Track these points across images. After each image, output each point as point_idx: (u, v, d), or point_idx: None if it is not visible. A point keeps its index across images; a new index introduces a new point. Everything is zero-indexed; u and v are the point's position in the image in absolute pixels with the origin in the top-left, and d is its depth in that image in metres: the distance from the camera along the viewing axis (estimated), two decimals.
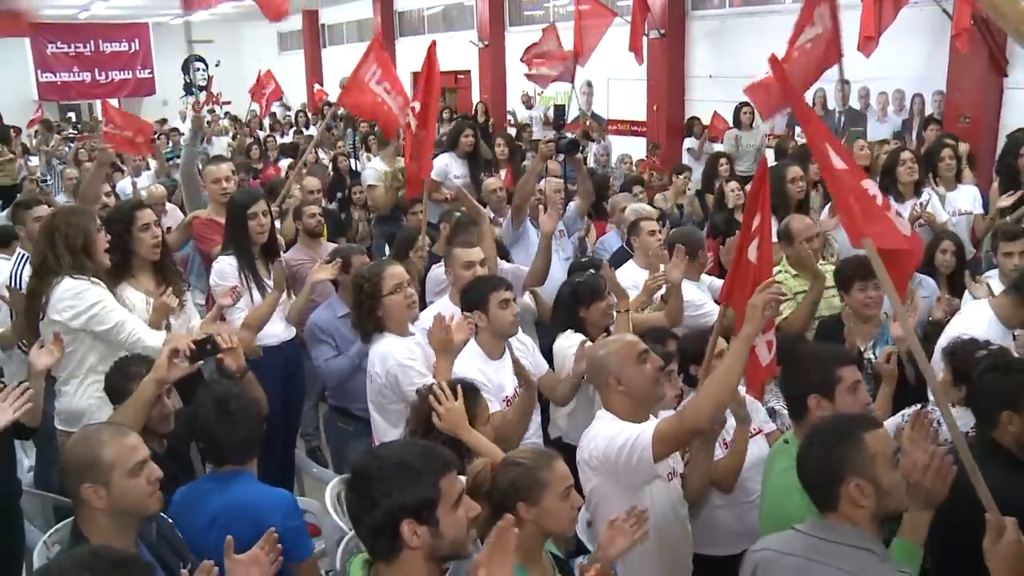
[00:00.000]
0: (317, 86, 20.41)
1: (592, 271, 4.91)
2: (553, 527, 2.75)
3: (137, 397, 3.34)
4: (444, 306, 4.56)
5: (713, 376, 3.21)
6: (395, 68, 7.30)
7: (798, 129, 11.64)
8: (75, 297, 3.94)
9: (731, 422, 3.76)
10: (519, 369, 3.97)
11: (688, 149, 11.79)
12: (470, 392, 3.36)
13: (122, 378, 3.59)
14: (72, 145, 15.04)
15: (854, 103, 11.36)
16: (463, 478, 2.44)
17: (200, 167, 7.24)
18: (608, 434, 3.19)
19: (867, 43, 8.53)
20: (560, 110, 12.45)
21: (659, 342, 4.00)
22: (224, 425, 3.16)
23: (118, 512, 2.61)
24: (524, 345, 4.40)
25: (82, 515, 2.65)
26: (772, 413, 4.05)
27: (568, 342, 4.38)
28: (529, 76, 12.51)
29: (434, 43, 6.22)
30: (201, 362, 3.54)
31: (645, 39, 12.64)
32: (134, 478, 2.63)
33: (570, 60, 10.00)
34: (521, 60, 12.50)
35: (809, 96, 11.61)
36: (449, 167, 7.82)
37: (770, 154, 10.29)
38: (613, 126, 13.86)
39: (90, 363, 4.08)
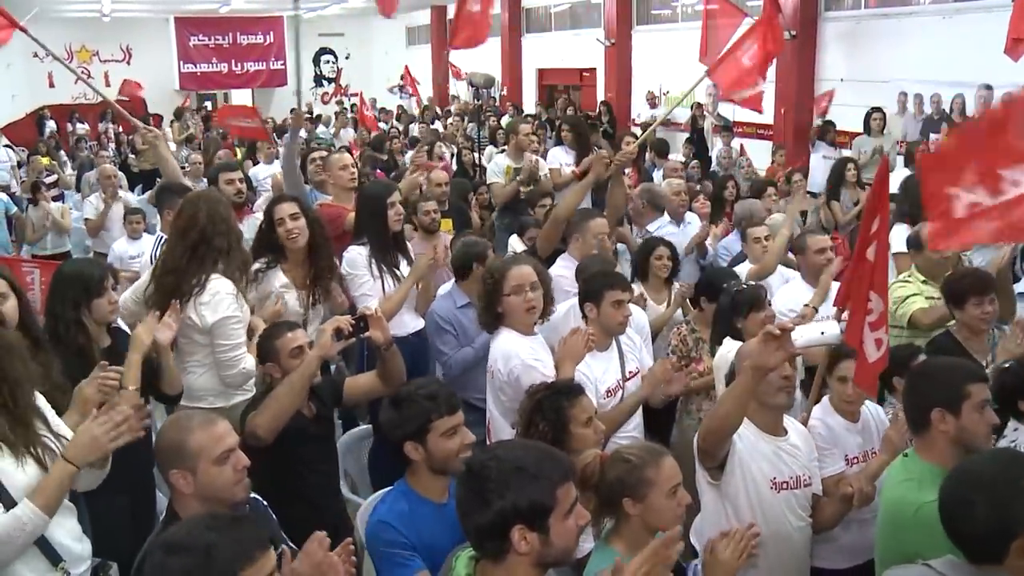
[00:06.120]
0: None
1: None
2: (658, 523, 2.76)
3: (303, 371, 3.55)
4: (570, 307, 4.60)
5: (718, 400, 3.11)
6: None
7: (932, 136, 11.25)
8: (220, 302, 4.06)
9: (858, 440, 3.70)
10: (647, 381, 4.02)
11: (824, 156, 11.17)
12: (575, 391, 3.35)
13: (266, 341, 3.82)
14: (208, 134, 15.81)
15: None
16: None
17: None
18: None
19: (1016, 46, 8.08)
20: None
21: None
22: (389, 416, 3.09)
23: (205, 497, 2.65)
24: (631, 341, 4.37)
25: (175, 496, 2.71)
26: None
27: (726, 351, 4.23)
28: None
29: None
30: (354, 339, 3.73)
31: None
32: (220, 466, 2.65)
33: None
34: None
35: (947, 100, 11.18)
36: (557, 157, 7.85)
37: (900, 161, 9.96)
38: (738, 128, 13.60)
39: (201, 357, 4.19)
